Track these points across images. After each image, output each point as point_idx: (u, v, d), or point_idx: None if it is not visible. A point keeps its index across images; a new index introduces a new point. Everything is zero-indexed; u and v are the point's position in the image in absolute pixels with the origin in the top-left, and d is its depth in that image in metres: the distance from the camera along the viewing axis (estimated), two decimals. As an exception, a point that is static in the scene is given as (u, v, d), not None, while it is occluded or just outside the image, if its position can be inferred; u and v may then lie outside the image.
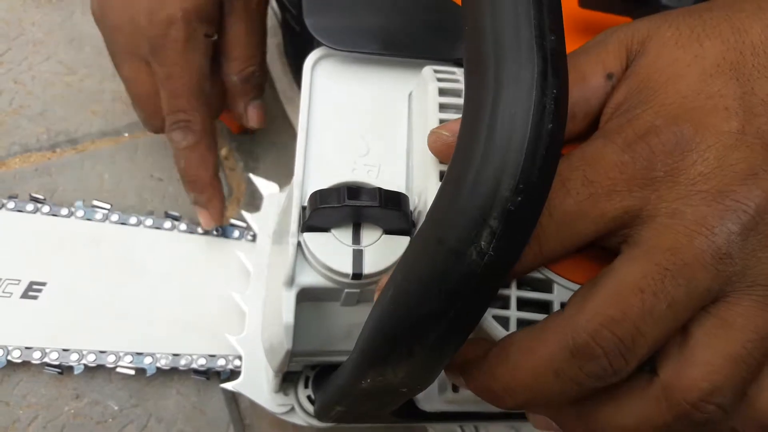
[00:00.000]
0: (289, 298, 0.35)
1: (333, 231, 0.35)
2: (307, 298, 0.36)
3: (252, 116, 0.55)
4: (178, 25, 0.47)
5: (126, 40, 0.49)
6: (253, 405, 0.52)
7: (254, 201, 0.60)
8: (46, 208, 0.53)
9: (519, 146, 0.22)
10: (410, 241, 0.25)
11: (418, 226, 0.35)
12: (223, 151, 0.62)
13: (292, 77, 0.65)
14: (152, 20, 0.47)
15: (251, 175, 0.54)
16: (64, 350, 0.49)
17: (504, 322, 0.33)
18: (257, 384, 0.48)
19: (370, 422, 0.49)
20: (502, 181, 0.22)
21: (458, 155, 0.24)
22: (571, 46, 0.35)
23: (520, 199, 0.22)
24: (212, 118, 0.51)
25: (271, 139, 0.63)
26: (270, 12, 0.67)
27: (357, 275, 0.34)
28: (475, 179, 0.23)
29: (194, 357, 0.51)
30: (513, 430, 0.55)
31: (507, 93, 0.23)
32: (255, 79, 0.54)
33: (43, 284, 0.51)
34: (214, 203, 0.51)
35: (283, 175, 0.60)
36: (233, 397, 0.53)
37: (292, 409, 0.48)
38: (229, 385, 0.47)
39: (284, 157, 0.63)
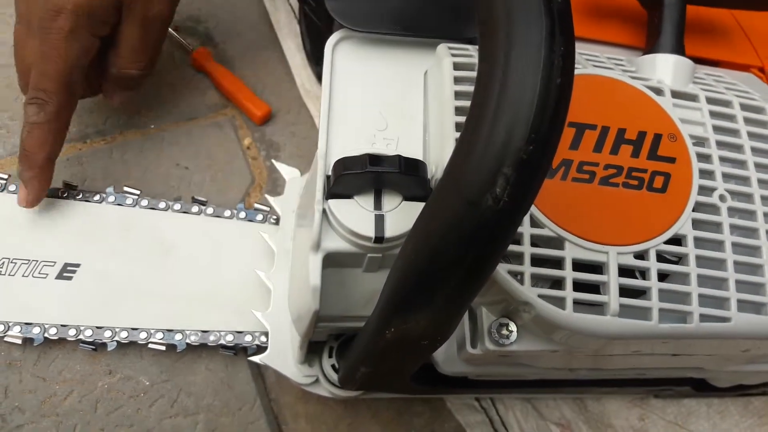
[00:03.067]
0: (315, 262, 0.37)
1: (356, 198, 0.37)
2: (331, 263, 0.39)
3: (116, 100, 0.59)
4: (65, 15, 0.49)
5: (25, 10, 0.52)
6: (279, 380, 0.55)
7: (276, 188, 0.62)
8: (79, 195, 0.56)
9: (530, 99, 0.24)
10: (431, 194, 0.28)
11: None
12: (246, 141, 0.64)
13: (311, 70, 0.67)
14: (47, 2, 0.49)
15: (274, 161, 0.57)
16: (98, 328, 0.52)
17: (519, 277, 0.35)
18: (283, 357, 0.50)
19: (391, 392, 0.51)
20: (515, 132, 0.24)
21: (474, 111, 0.26)
22: (579, 28, 0.37)
23: (531, 148, 0.24)
24: (72, 107, 0.53)
25: (291, 130, 0.66)
26: (287, 6, 0.70)
27: (379, 239, 0.37)
28: (489, 131, 0.25)
29: (222, 333, 0.53)
30: (528, 403, 0.57)
31: (518, 51, 0.25)
32: (133, 79, 0.57)
33: (77, 265, 0.53)
34: (34, 184, 0.52)
35: (303, 163, 0.62)
36: (259, 373, 0.55)
37: (317, 380, 0.50)
38: (256, 358, 0.49)
39: (304, 146, 0.65)
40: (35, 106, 0.51)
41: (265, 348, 0.50)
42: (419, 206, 0.37)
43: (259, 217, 0.57)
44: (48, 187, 0.54)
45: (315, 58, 0.66)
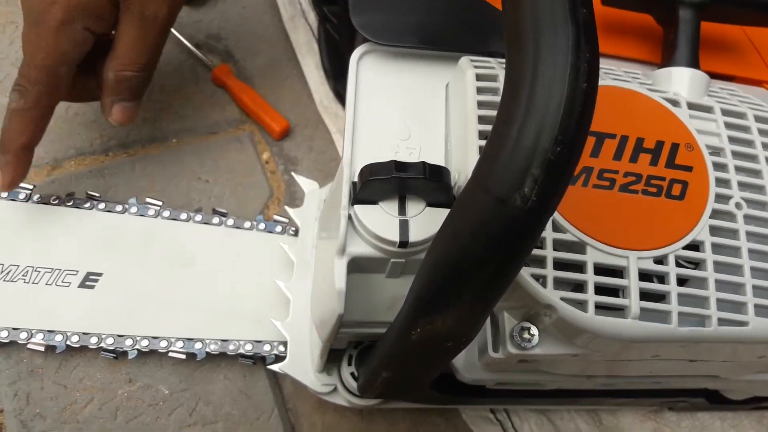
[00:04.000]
0: (340, 266, 0.38)
1: (381, 204, 0.38)
2: (355, 268, 0.39)
3: (115, 113, 0.56)
4: (58, 6, 0.50)
5: (27, 5, 0.52)
6: (296, 390, 0.55)
7: (294, 201, 0.63)
8: (102, 205, 0.57)
9: (558, 103, 0.25)
10: (458, 195, 0.29)
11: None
12: (264, 156, 0.66)
13: (329, 87, 0.69)
14: None
15: (293, 174, 0.58)
16: (119, 336, 0.53)
17: (541, 281, 0.36)
18: (302, 366, 0.50)
19: (409, 400, 0.52)
20: (543, 134, 0.25)
21: (502, 115, 0.27)
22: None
23: (559, 149, 0.25)
24: (53, 99, 0.53)
25: (308, 145, 0.67)
26: (306, 26, 0.72)
27: (403, 243, 0.37)
28: (518, 133, 0.26)
29: (242, 342, 0.53)
30: (543, 415, 0.58)
31: (546, 58, 0.26)
32: (129, 82, 0.55)
33: (100, 275, 0.54)
34: (8, 170, 0.53)
35: (320, 177, 0.63)
36: (277, 383, 0.56)
37: (335, 389, 0.51)
38: (275, 367, 0.50)
39: (321, 160, 0.66)
40: (17, 93, 0.52)
41: (284, 357, 0.51)
42: (443, 212, 0.38)
43: (279, 228, 0.58)
44: (25, 174, 0.54)
45: (333, 76, 0.67)
